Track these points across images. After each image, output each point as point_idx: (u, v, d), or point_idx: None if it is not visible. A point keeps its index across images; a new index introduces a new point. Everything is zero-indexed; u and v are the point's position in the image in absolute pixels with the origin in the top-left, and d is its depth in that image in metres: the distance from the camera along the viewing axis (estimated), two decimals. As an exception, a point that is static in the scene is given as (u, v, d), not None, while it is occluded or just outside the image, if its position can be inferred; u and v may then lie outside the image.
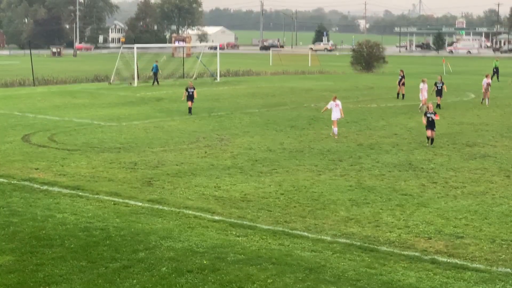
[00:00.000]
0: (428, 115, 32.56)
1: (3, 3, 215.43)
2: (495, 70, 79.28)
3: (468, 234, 19.10)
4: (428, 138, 33.00)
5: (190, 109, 44.29)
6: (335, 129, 35.43)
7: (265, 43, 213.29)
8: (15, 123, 39.52)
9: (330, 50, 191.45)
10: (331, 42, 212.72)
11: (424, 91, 47.01)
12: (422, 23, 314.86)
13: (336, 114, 35.55)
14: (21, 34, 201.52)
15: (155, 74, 68.42)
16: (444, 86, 48.70)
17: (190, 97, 44.28)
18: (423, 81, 47.72)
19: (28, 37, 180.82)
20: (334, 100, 35.95)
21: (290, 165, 28.35)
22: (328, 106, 36.20)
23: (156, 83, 68.06)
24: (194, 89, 44.79)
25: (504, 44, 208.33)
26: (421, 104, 46.41)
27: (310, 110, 46.93)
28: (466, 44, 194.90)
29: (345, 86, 68.02)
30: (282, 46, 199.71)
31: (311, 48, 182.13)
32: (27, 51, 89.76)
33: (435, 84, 48.67)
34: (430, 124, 32.66)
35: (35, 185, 24.38)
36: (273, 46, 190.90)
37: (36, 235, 18.52)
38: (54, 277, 15.46)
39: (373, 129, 38.41)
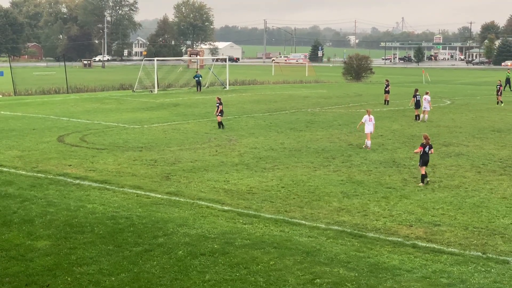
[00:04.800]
0: (426, 149, 24.03)
1: (41, 21, 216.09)
2: (507, 81, 74.16)
3: (444, 222, 19.09)
4: (423, 176, 24.18)
5: (220, 123, 38.89)
6: (367, 141, 32.21)
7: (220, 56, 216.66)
8: (51, 125, 39.55)
9: (302, 63, 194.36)
10: (292, 55, 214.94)
11: (425, 102, 43.10)
12: (404, 39, 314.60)
13: (369, 128, 32.07)
14: (56, 48, 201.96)
15: (199, 83, 68.86)
16: (426, 96, 43.53)
17: (221, 112, 38.83)
18: (426, 93, 43.74)
19: (63, 51, 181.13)
20: (368, 115, 32.33)
21: (289, 162, 28.33)
22: (363, 120, 32.34)
23: (199, 89, 68.60)
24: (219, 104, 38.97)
25: (476, 57, 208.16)
26: (422, 115, 43.23)
27: (307, 114, 46.87)
28: (295, 55, 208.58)
29: (338, 94, 67.96)
30: (238, 59, 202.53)
31: (273, 60, 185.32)
32: (62, 63, 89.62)
33: (414, 96, 44.09)
34: (426, 159, 24.09)
35: (69, 180, 24.41)
36: (230, 59, 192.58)
37: (69, 222, 18.56)
38: (85, 259, 15.50)
39: (361, 131, 38.23)
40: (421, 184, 24.01)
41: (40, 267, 15.00)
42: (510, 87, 73.34)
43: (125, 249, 16.27)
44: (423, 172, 24.18)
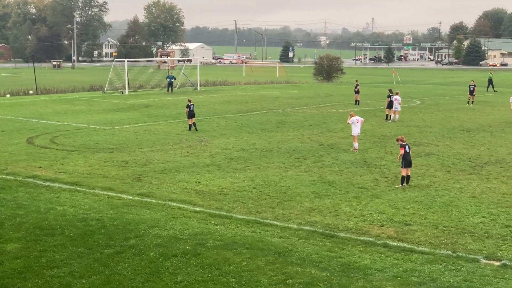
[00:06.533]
0: (407, 148, 23.98)
1: (9, 22, 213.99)
2: (490, 81, 74.63)
3: (415, 222, 19.23)
4: (403, 178, 24.01)
5: (193, 125, 38.35)
6: (355, 144, 31.58)
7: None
8: (20, 127, 39.20)
9: (235, 63, 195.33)
10: (225, 55, 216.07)
11: (395, 103, 43.41)
12: (374, 39, 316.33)
13: (356, 130, 31.37)
14: (25, 49, 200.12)
15: (171, 84, 68.59)
16: (396, 97, 43.88)
17: (188, 114, 38.37)
18: (397, 93, 44.28)
19: (32, 52, 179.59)
20: (353, 116, 31.59)
21: (261, 162, 28.36)
22: (350, 121, 31.60)
23: (171, 90, 68.27)
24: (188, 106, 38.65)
25: (445, 57, 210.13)
26: (392, 116, 43.59)
27: (278, 115, 46.96)
28: (229, 56, 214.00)
29: (308, 94, 68.17)
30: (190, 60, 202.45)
31: (220, 61, 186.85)
32: (31, 64, 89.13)
33: (388, 96, 44.57)
34: (408, 159, 23.89)
35: (38, 182, 24.21)
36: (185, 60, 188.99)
37: (39, 225, 18.40)
38: (55, 262, 15.38)
39: (332, 131, 38.52)
40: (399, 186, 23.85)
41: (10, 270, 14.86)
42: (493, 88, 73.96)
43: (96, 251, 16.17)
44: (404, 174, 23.92)
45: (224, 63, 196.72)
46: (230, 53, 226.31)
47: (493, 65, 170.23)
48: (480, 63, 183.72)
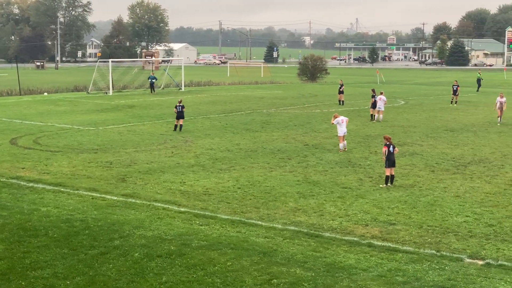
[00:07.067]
0: (390, 148, 23.91)
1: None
2: (478, 81, 75.34)
3: (399, 221, 19.29)
4: (387, 177, 24.11)
5: (180, 126, 38.28)
6: (340, 144, 31.60)
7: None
8: (3, 128, 38.96)
9: (212, 64, 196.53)
10: (201, 56, 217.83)
11: (379, 103, 43.70)
12: (358, 40, 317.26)
13: (342, 130, 31.33)
14: (8, 49, 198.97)
15: (152, 84, 68.44)
16: (381, 96, 44.20)
17: (180, 115, 38.15)
18: (381, 93, 44.52)
19: (15, 52, 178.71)
20: (337, 117, 31.52)
21: (245, 163, 28.35)
22: (334, 122, 31.62)
23: (153, 91, 68.09)
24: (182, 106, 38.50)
25: (429, 58, 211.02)
26: (376, 116, 43.69)
27: (262, 115, 46.97)
28: (204, 56, 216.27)
29: (293, 94, 68.23)
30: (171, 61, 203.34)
31: (195, 62, 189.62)
32: (14, 65, 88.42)
33: (372, 96, 44.93)
34: (391, 159, 23.86)
35: (22, 183, 24.07)
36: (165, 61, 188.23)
37: (23, 226, 18.30)
38: (39, 263, 15.30)
39: (317, 131, 38.56)
40: (383, 185, 23.90)
41: (-7, 271, 14.77)
42: (478, 88, 74.33)
43: (80, 252, 16.10)
44: (388, 174, 23.98)
45: (200, 64, 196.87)
46: (206, 54, 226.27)
47: (490, 65, 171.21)
48: (476, 63, 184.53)
